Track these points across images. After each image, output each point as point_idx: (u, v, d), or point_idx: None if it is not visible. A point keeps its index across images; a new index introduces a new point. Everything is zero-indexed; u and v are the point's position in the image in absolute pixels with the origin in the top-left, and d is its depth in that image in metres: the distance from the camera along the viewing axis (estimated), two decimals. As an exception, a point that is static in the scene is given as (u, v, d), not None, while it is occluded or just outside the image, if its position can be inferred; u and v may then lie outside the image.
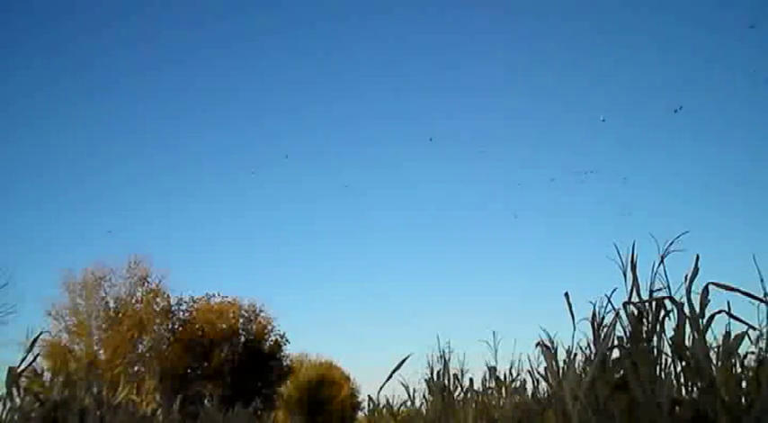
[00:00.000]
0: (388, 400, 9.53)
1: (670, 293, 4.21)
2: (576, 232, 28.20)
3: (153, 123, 32.77)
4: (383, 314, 36.90)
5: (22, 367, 7.10)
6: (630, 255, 4.44)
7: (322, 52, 29.41)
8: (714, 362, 4.02)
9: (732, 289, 3.91)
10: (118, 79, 29.81)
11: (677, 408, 4.01)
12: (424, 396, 8.44)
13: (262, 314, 26.05)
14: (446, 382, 8.01)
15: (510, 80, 27.57)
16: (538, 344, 5.56)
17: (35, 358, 7.90)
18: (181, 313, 24.86)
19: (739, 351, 4.06)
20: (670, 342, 4.15)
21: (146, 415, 10.22)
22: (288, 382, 29.74)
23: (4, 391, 6.99)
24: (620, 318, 4.38)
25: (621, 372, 4.30)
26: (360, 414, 31.36)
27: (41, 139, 30.48)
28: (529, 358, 7.05)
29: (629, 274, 4.43)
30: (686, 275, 4.14)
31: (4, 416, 6.90)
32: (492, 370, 7.85)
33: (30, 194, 30.36)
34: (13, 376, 6.98)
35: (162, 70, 29.92)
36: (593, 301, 4.70)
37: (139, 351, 23.12)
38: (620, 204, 26.42)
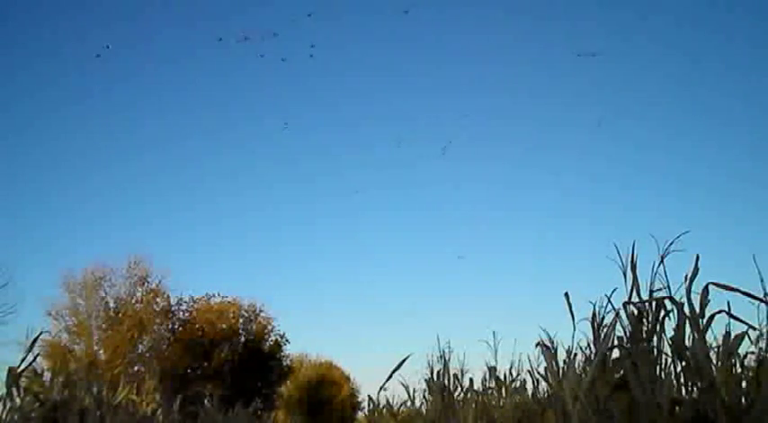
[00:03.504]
0: (388, 400, 9.54)
1: (670, 293, 4.21)
2: (576, 232, 28.18)
3: (153, 123, 32.74)
4: (383, 314, 36.89)
5: (22, 367, 7.10)
6: (630, 255, 4.44)
7: (321, 52, 29.40)
8: (714, 362, 4.02)
9: (732, 289, 3.91)
10: (118, 79, 29.77)
11: (677, 408, 4.01)
12: (424, 396, 8.44)
13: (262, 314, 26.05)
14: (446, 382, 8.01)
15: (510, 80, 27.55)
16: (538, 344, 5.57)
17: (35, 358, 7.90)
18: (181, 313, 24.85)
19: (739, 351, 4.06)
20: (670, 342, 4.16)
21: (146, 415, 10.22)
22: (288, 382, 29.72)
23: (4, 391, 7.00)
24: (620, 318, 4.38)
25: (621, 372, 4.30)
26: (360, 414, 31.36)
27: (41, 139, 30.47)
28: (529, 358, 7.06)
29: (629, 274, 4.43)
30: (686, 275, 4.14)
31: (4, 416, 6.90)
32: (492, 370, 7.85)
33: (30, 194, 30.35)
34: (13, 376, 6.99)
35: (161, 70, 29.86)
36: (593, 301, 4.70)
37: (139, 351, 23.11)
38: (615, 201, 26.43)
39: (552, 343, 5.55)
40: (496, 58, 27.19)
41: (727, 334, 4.06)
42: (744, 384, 4.00)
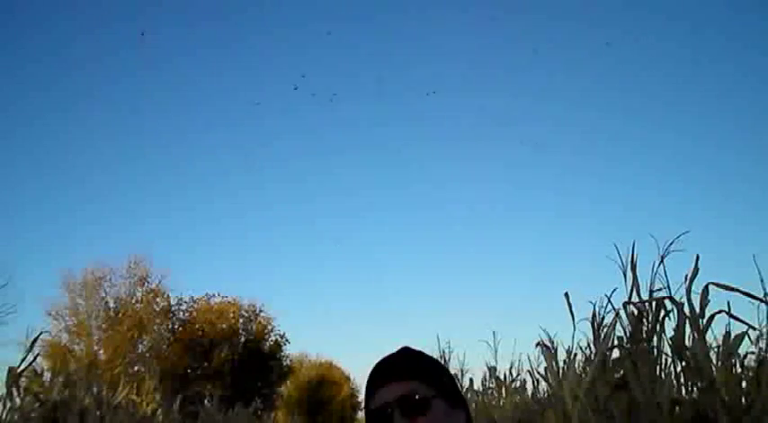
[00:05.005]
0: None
1: (670, 293, 4.21)
2: (576, 232, 28.18)
3: (153, 123, 32.76)
4: (383, 314, 36.92)
5: (22, 367, 7.10)
6: (630, 255, 4.45)
7: (322, 53, 29.45)
8: (714, 362, 4.02)
9: (732, 289, 3.91)
10: (118, 79, 29.80)
11: (677, 408, 4.01)
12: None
13: (262, 314, 26.05)
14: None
15: (510, 80, 27.56)
16: (538, 344, 5.57)
17: (35, 358, 7.91)
18: (181, 313, 24.85)
19: (739, 351, 4.06)
20: (670, 342, 4.16)
21: (146, 415, 10.22)
22: (288, 382, 29.73)
23: (4, 391, 6.99)
24: (620, 318, 4.38)
25: (621, 372, 4.30)
26: (360, 414, 31.35)
27: (41, 139, 30.49)
28: (529, 358, 7.07)
29: (629, 274, 4.43)
30: (686, 275, 4.14)
31: (4, 416, 6.90)
32: (492, 370, 7.86)
33: (30, 194, 30.34)
34: (13, 376, 6.98)
35: (162, 70, 29.91)
36: (593, 301, 4.71)
37: (139, 351, 23.10)
38: (615, 201, 26.45)
39: (552, 343, 5.56)
40: (497, 56, 27.21)
41: (727, 334, 4.06)
42: (744, 384, 4.00)
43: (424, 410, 1.18)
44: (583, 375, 4.66)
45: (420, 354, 1.32)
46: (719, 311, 4.00)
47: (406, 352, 1.32)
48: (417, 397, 1.19)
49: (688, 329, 4.03)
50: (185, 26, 29.20)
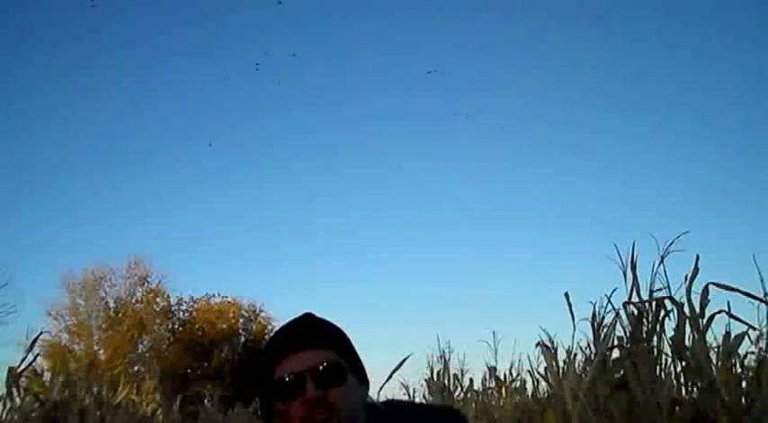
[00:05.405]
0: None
1: (670, 293, 4.22)
2: (576, 232, 28.15)
3: (152, 123, 32.72)
4: (383, 314, 36.90)
5: (22, 367, 7.09)
6: (630, 255, 4.45)
7: (322, 53, 29.41)
8: (714, 362, 4.03)
9: (732, 289, 3.92)
10: (118, 79, 29.74)
11: (677, 408, 4.01)
12: (423, 396, 8.44)
13: (262, 314, 26.07)
14: (446, 382, 8.01)
15: (510, 80, 27.53)
16: (538, 344, 5.57)
17: (35, 358, 7.89)
18: (181, 313, 24.89)
19: (739, 351, 4.07)
20: (670, 342, 4.16)
21: (146, 415, 10.22)
22: (288, 381, 29.75)
23: (4, 391, 6.99)
24: (620, 318, 4.39)
25: (621, 372, 4.31)
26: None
27: (41, 139, 30.45)
28: (529, 358, 7.05)
29: (629, 274, 4.43)
30: (686, 275, 4.14)
31: (4, 416, 6.90)
32: (492, 370, 7.85)
33: (30, 194, 30.30)
34: (13, 376, 6.98)
35: (162, 70, 29.82)
36: (593, 301, 4.71)
37: (139, 351, 23.15)
38: (615, 201, 26.47)
39: (552, 343, 5.55)
40: (497, 56, 27.22)
41: (727, 334, 4.06)
42: (744, 384, 4.00)
43: (339, 382, 1.12)
44: (583, 375, 4.66)
45: (330, 323, 1.24)
46: (719, 311, 4.00)
47: (314, 319, 1.23)
48: (335, 367, 1.13)
49: (688, 329, 4.04)
50: (186, 27, 29.15)
